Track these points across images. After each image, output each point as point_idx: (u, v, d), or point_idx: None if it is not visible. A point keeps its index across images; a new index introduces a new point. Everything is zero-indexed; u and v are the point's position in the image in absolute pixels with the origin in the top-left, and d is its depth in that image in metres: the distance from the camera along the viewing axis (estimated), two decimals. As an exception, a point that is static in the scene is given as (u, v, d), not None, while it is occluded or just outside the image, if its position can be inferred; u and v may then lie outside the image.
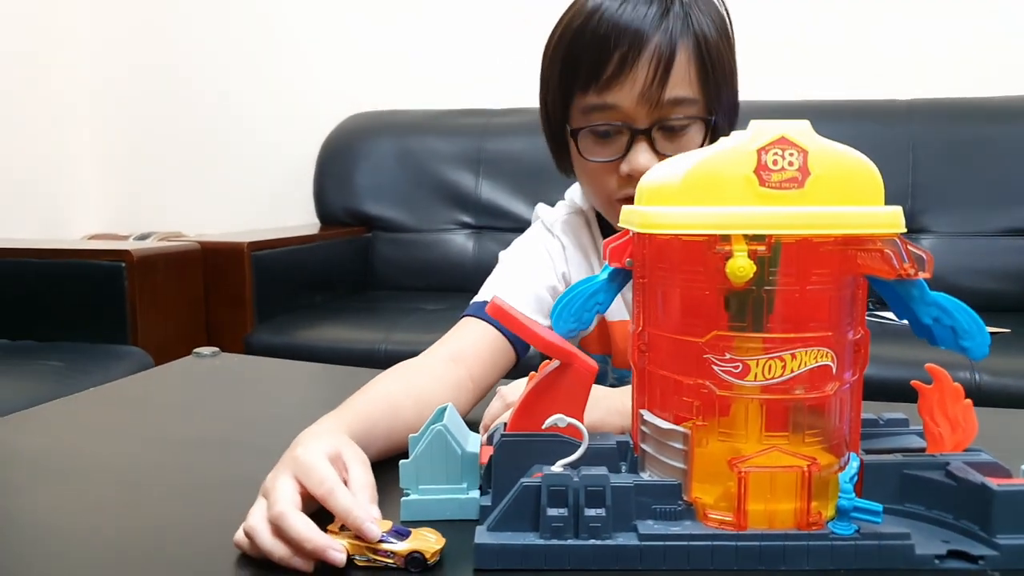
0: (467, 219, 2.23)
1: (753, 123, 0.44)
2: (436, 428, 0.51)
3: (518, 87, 2.34)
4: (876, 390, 0.90)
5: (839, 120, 1.97)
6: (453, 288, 2.11)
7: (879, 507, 0.44)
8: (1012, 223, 1.81)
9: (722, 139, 0.46)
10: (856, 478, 0.45)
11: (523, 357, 0.79)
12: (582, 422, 0.48)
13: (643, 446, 0.49)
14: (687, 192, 0.44)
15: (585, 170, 0.80)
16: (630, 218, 0.49)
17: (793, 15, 2.13)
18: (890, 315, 1.57)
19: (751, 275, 0.42)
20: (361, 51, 2.49)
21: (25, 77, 2.47)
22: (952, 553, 0.45)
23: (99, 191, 2.75)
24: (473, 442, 0.54)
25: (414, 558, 0.45)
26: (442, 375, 0.70)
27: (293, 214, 2.50)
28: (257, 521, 0.46)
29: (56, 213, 2.62)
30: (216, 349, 1.02)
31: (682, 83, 0.72)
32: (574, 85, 0.76)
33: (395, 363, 0.72)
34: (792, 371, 0.44)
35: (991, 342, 0.46)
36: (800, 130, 0.43)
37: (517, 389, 0.58)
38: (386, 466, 0.56)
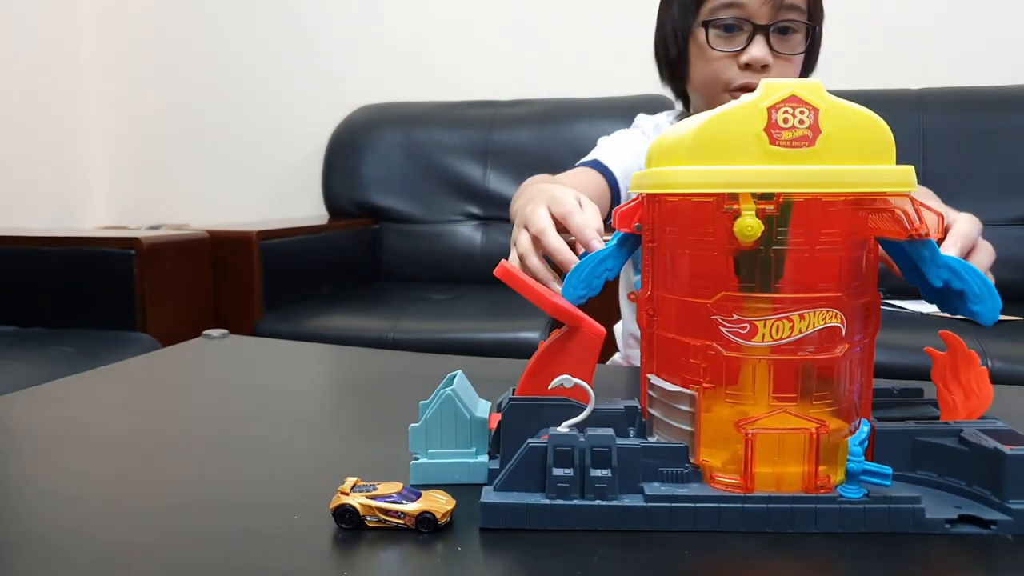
0: (475, 210, 2.23)
1: (764, 81, 0.43)
2: (445, 393, 0.52)
3: (525, 79, 2.35)
4: (888, 376, 0.90)
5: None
6: (461, 279, 2.12)
7: (888, 470, 0.43)
8: (1022, 212, 1.79)
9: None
10: (867, 442, 0.45)
11: (615, 204, 0.97)
12: (591, 385, 0.48)
13: (651, 410, 0.49)
14: (696, 151, 0.44)
15: (709, 61, 0.92)
16: (639, 182, 0.49)
17: (803, 4, 2.12)
18: (902, 304, 1.56)
19: (759, 234, 0.42)
20: (369, 44, 2.49)
21: (37, 72, 2.48)
22: (963, 518, 0.44)
23: (109, 184, 2.77)
24: (482, 408, 0.54)
25: (425, 518, 0.45)
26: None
27: (302, 207, 2.51)
28: (525, 245, 0.60)
29: (67, 206, 2.63)
30: (225, 331, 1.03)
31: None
32: None
33: (403, 351, 0.87)
34: (800, 332, 0.43)
35: (1001, 308, 0.46)
36: (811, 88, 0.43)
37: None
38: (397, 432, 0.57)
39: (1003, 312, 1.39)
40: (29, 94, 2.45)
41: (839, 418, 0.46)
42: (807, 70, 0.96)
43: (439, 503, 0.46)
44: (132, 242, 1.50)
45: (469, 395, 0.55)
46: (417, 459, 0.52)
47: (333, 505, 0.46)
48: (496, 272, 0.52)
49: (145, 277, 1.50)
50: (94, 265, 1.52)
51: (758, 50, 0.88)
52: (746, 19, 0.88)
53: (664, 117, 1.09)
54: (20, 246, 1.58)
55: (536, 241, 0.61)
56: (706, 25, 0.91)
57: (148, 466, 0.58)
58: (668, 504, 0.44)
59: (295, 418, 0.71)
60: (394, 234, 2.26)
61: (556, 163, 1.10)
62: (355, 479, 0.47)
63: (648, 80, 1.12)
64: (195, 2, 2.64)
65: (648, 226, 0.49)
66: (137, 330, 1.50)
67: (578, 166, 1.01)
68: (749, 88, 0.82)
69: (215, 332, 1.02)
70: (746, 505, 0.44)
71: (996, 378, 1.37)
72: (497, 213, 2.18)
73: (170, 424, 0.68)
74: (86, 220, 2.66)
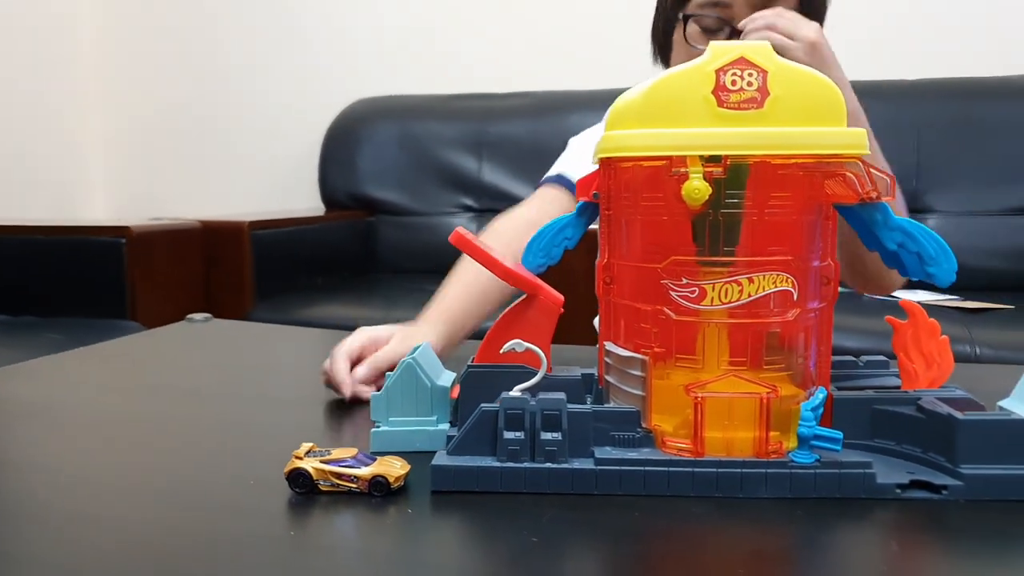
0: (469, 202, 2.23)
1: (712, 44, 0.43)
2: (407, 361, 0.52)
3: (520, 71, 2.34)
4: None
5: (844, 100, 1.96)
6: (455, 271, 2.12)
7: (839, 434, 0.43)
8: (1017, 202, 1.78)
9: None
10: (821, 409, 0.45)
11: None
12: (548, 352, 0.48)
13: (607, 377, 0.49)
14: (645, 114, 0.44)
15: (687, 56, 0.95)
16: (596, 148, 0.49)
17: (797, -5, 2.11)
18: (896, 293, 1.55)
19: (706, 197, 0.42)
20: (366, 38, 2.50)
21: (35, 64, 2.49)
22: (914, 483, 0.44)
23: (106, 178, 2.78)
24: (446, 378, 0.54)
25: (377, 482, 0.45)
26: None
27: (299, 199, 2.52)
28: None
29: (65, 199, 2.64)
30: (208, 315, 1.03)
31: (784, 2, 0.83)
32: None
33: None
34: (750, 295, 0.43)
35: (956, 269, 0.45)
36: (760, 51, 0.43)
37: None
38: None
39: (990, 300, 1.39)
40: (28, 87, 2.46)
41: (793, 384, 0.46)
42: None
43: (393, 468, 0.46)
44: (122, 231, 1.50)
45: (433, 365, 0.55)
46: (378, 427, 0.53)
47: (287, 469, 0.46)
48: (451, 238, 0.52)
49: (135, 266, 1.51)
50: (84, 254, 1.52)
51: None
52: (727, 21, 0.85)
53: None
54: (10, 235, 1.59)
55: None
56: (689, 19, 0.89)
57: (115, 439, 0.58)
58: (617, 468, 0.44)
59: (267, 394, 0.71)
60: (389, 226, 2.27)
61: (550, 155, 1.08)
62: (310, 445, 0.47)
63: (643, 72, 1.12)
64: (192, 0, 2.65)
65: (605, 194, 0.49)
66: (127, 319, 1.51)
67: (544, 182, 0.98)
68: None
69: (198, 316, 1.02)
70: (696, 469, 0.44)
71: (983, 365, 1.36)
72: (491, 205, 2.18)
73: (143, 400, 0.69)
74: (84, 213, 2.67)
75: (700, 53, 0.87)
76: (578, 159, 0.98)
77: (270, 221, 1.84)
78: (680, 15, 0.89)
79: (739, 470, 0.44)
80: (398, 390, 0.52)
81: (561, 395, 0.46)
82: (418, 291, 1.89)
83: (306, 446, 0.47)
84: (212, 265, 1.72)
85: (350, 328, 1.75)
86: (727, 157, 0.42)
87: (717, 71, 0.42)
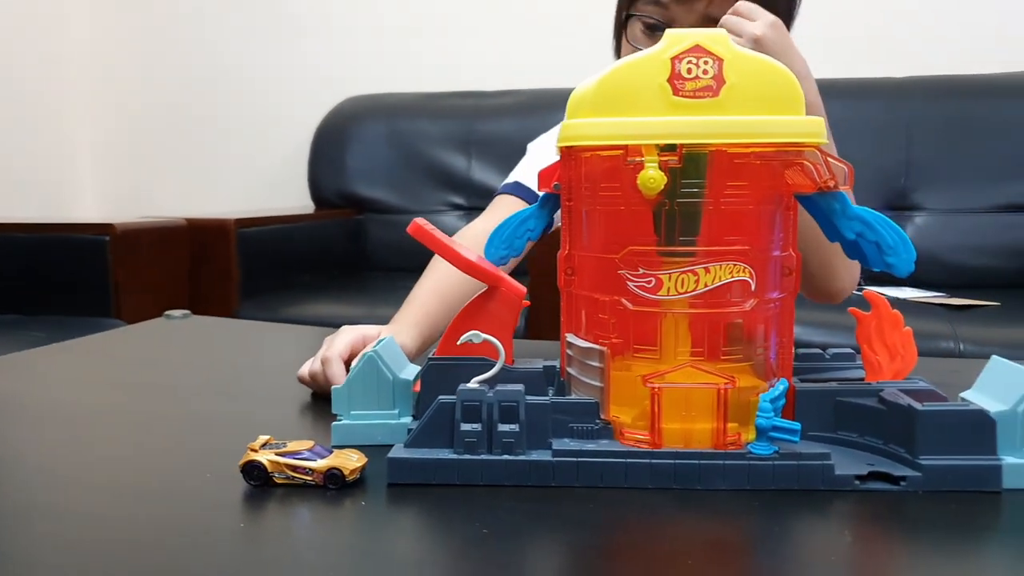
0: (459, 200, 2.22)
1: (668, 32, 0.43)
2: (368, 354, 0.51)
3: (509, 69, 2.34)
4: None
5: (834, 97, 1.93)
6: (444, 269, 2.11)
7: (797, 426, 0.43)
8: (1005, 199, 1.78)
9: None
10: (782, 401, 0.44)
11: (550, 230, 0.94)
12: (510, 345, 0.48)
13: (568, 369, 0.49)
14: (601, 103, 0.43)
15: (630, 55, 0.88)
16: (557, 137, 0.49)
17: (787, -7, 2.11)
18: (880, 290, 1.55)
19: (662, 187, 0.41)
20: (355, 36, 2.49)
21: (24, 63, 2.48)
22: (873, 474, 0.44)
23: (96, 176, 2.77)
24: (409, 371, 0.53)
25: (332, 475, 0.44)
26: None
27: (288, 198, 2.51)
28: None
29: (54, 198, 2.63)
30: (187, 312, 1.03)
31: (726, 5, 0.78)
32: None
33: None
34: (707, 285, 0.43)
35: (914, 268, 0.45)
36: (716, 39, 0.42)
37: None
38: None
39: (977, 297, 1.38)
40: (15, 86, 2.45)
41: (754, 375, 0.46)
42: None
43: (349, 460, 0.45)
44: (106, 228, 1.50)
45: (396, 358, 0.54)
46: (340, 420, 0.52)
47: (241, 462, 0.45)
48: (409, 229, 0.52)
49: (120, 264, 1.50)
50: (69, 251, 1.52)
51: None
52: (667, 23, 0.82)
53: None
54: (-5, 233, 1.58)
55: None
56: (632, 18, 0.86)
57: (80, 434, 0.58)
58: (575, 459, 0.44)
59: (238, 390, 0.71)
60: (378, 224, 2.26)
61: None
62: (267, 437, 0.47)
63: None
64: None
65: (566, 185, 0.49)
66: (111, 317, 1.50)
67: (502, 190, 0.96)
68: None
69: (176, 312, 1.01)
70: (653, 461, 0.44)
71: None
72: (481, 203, 2.16)
73: (112, 396, 0.68)
74: (73, 211, 2.66)
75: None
76: (535, 166, 0.97)
77: (257, 219, 1.83)
78: (623, 14, 0.87)
79: (697, 461, 0.44)
80: (359, 383, 0.52)
81: (519, 387, 0.45)
82: (404, 289, 1.88)
83: (262, 439, 0.47)
84: (198, 263, 1.71)
85: (333, 327, 1.74)
86: (682, 146, 0.42)
87: (672, 59, 0.42)
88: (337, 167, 2.29)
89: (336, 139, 2.31)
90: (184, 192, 2.68)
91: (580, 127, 0.44)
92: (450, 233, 2.09)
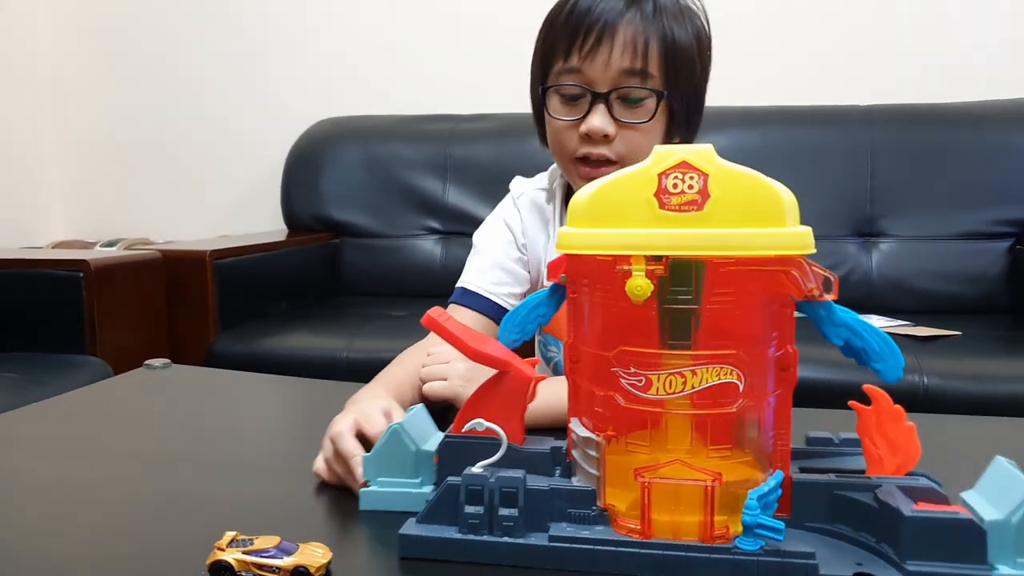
0: (435, 224, 2.23)
1: (656, 148, 0.45)
2: (393, 427, 0.55)
3: (485, 93, 2.35)
4: (824, 393, 0.90)
5: (799, 125, 2.01)
6: (422, 293, 2.12)
7: (781, 525, 0.44)
8: (968, 227, 1.84)
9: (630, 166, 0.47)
10: (776, 493, 0.45)
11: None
12: (520, 426, 0.53)
13: (573, 452, 0.51)
14: (593, 213, 0.45)
15: (552, 129, 0.88)
16: (559, 240, 0.50)
17: (753, 21, 2.16)
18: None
19: (648, 294, 0.43)
20: (328, 57, 2.49)
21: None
22: (859, 576, 0.45)
23: (66, 199, 2.73)
24: (434, 441, 0.56)
25: (299, 572, 0.46)
26: None
27: (261, 221, 2.50)
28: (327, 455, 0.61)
29: (23, 219, 2.59)
30: (167, 361, 1.02)
31: (641, 59, 0.81)
32: (551, 58, 0.86)
33: (356, 371, 0.85)
34: (693, 387, 0.45)
35: (904, 366, 0.46)
36: (702, 154, 0.45)
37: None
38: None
39: (941, 327, 1.41)
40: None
41: (748, 467, 0.48)
42: (682, 132, 0.88)
43: (315, 556, 0.47)
44: (80, 264, 1.48)
45: (423, 429, 0.58)
46: (368, 486, 0.56)
47: (209, 561, 0.46)
48: (423, 321, 0.54)
49: (94, 299, 1.49)
50: (41, 288, 1.50)
51: (597, 120, 0.81)
52: (586, 87, 0.82)
53: (538, 182, 1.02)
54: (-35, 269, 1.56)
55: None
56: (549, 91, 0.86)
57: (48, 511, 0.57)
58: (569, 545, 0.46)
59: (217, 459, 0.70)
60: (354, 249, 2.26)
61: (513, 177, 1.06)
62: (233, 533, 0.48)
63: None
64: (153, 16, 2.61)
65: (571, 278, 0.51)
66: (87, 353, 1.49)
67: (453, 299, 0.96)
68: (591, 158, 0.83)
69: (157, 362, 1.01)
70: (643, 551, 0.46)
71: (932, 394, 1.40)
72: (457, 228, 2.18)
73: (87, 466, 0.67)
74: (42, 235, 2.62)
75: (565, 125, 0.85)
76: (478, 267, 0.97)
77: (232, 249, 1.83)
78: (540, 90, 0.87)
79: (685, 554, 0.45)
80: (385, 453, 0.55)
81: (520, 473, 0.48)
82: (381, 317, 1.91)
83: (229, 535, 0.48)
84: (174, 296, 1.70)
85: (318, 359, 1.72)
86: (667, 257, 0.44)
87: (659, 174, 0.44)
88: (311, 190, 2.29)
89: (310, 161, 2.31)
90: (155, 215, 2.65)
91: (575, 236, 0.46)
92: (430, 259, 2.07)
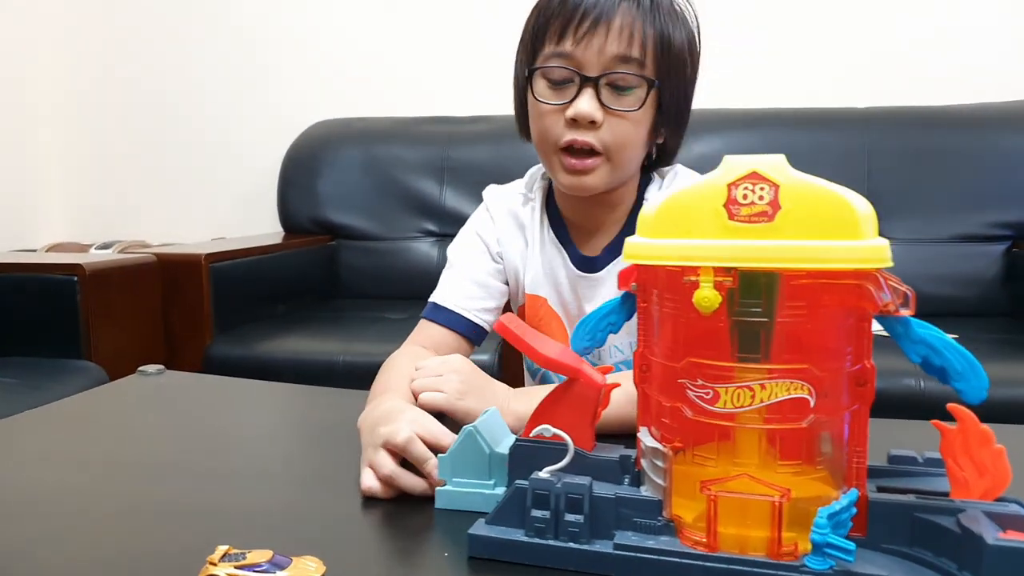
0: (432, 227, 2.22)
1: (727, 159, 0.44)
2: (468, 428, 0.56)
3: (482, 96, 2.34)
4: (884, 402, 0.89)
5: (796, 127, 2.01)
6: (418, 296, 2.08)
7: (852, 546, 0.43)
8: (966, 229, 1.86)
9: (703, 176, 0.46)
10: (850, 512, 0.44)
11: (478, 346, 0.93)
12: (590, 433, 0.53)
13: (642, 461, 0.50)
14: (662, 223, 0.45)
15: (540, 115, 0.84)
16: (627, 250, 0.49)
17: (750, 23, 2.17)
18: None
19: (716, 305, 0.43)
20: (326, 59, 2.47)
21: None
22: (931, 604, 0.43)
23: (63, 200, 2.69)
24: (506, 444, 0.57)
25: None
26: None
27: (258, 223, 2.47)
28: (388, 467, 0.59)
29: (20, 222, 2.55)
30: (161, 367, 0.99)
31: (634, 47, 0.79)
32: (540, 42, 0.84)
33: (352, 375, 0.83)
34: (762, 401, 0.44)
35: (988, 387, 0.44)
36: (773, 165, 0.44)
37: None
38: (316, 480, 0.62)
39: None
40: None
41: (822, 484, 0.46)
42: (669, 130, 0.87)
43: (308, 571, 0.45)
44: (75, 268, 1.45)
45: (496, 431, 0.58)
46: (445, 485, 0.57)
47: (200, 575, 0.45)
48: (495, 327, 0.54)
49: (89, 304, 1.46)
50: (36, 292, 1.47)
51: (584, 103, 0.79)
52: (575, 70, 0.80)
53: (513, 188, 1.00)
54: (-43, 273, 1.52)
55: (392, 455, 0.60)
56: (535, 75, 0.83)
57: (40, 526, 0.55)
58: (634, 554, 0.46)
59: (211, 468, 0.68)
60: (351, 251, 2.24)
61: (511, 180, 1.04)
62: (226, 548, 0.47)
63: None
64: (151, 18, 2.57)
65: (641, 288, 0.50)
66: (82, 358, 1.46)
67: (424, 314, 0.93)
68: (575, 146, 0.81)
69: (151, 368, 0.98)
70: (708, 563, 0.45)
71: (928, 396, 1.40)
72: (454, 230, 2.13)
73: (79, 476, 0.65)
74: (37, 237, 2.57)
75: (551, 109, 0.82)
76: (451, 281, 0.95)
77: (228, 252, 1.80)
78: (526, 71, 0.85)
79: (751, 569, 0.45)
80: (459, 454, 0.56)
81: (587, 479, 0.48)
82: (379, 320, 1.89)
83: (221, 549, 0.46)
84: (170, 299, 1.67)
85: (315, 363, 1.70)
86: (737, 268, 0.43)
87: (729, 185, 0.43)
88: (308, 192, 2.27)
89: (306, 164, 2.29)
90: (152, 216, 2.62)
91: (642, 246, 0.45)
92: (427, 261, 2.07)
